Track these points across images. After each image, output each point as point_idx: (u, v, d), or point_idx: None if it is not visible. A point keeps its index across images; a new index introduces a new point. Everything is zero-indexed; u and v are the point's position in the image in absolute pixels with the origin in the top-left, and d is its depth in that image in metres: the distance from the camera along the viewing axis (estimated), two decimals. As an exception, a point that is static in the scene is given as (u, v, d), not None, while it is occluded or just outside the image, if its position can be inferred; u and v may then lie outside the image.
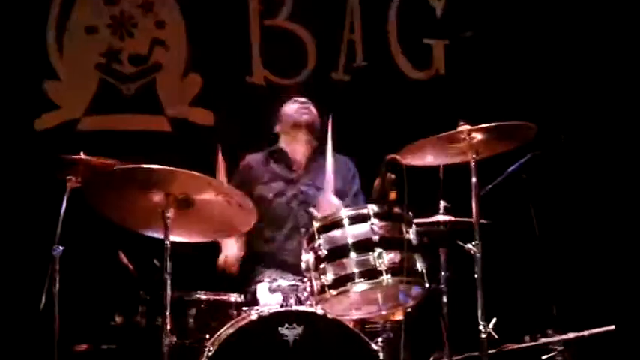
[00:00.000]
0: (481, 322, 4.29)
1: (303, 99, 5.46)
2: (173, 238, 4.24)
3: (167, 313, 4.14)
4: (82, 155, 4.74)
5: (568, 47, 6.53)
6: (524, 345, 4.90)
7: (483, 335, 4.29)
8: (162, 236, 4.22)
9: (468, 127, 4.47)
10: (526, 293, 5.96)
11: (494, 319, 4.35)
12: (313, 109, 5.42)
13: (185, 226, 4.39)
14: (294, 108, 5.41)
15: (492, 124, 4.45)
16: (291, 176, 5.37)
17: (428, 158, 4.68)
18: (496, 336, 4.38)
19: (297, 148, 5.41)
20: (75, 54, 6.37)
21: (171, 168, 4.15)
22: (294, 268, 4.84)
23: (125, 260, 4.68)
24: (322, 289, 4.27)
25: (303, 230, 5.02)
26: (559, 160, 6.05)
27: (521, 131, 4.55)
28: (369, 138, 6.13)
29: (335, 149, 5.17)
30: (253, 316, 4.24)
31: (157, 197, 4.24)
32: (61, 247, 4.55)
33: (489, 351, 4.36)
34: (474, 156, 4.49)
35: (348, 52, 6.67)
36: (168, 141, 6.34)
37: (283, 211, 5.29)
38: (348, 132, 5.96)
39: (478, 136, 4.48)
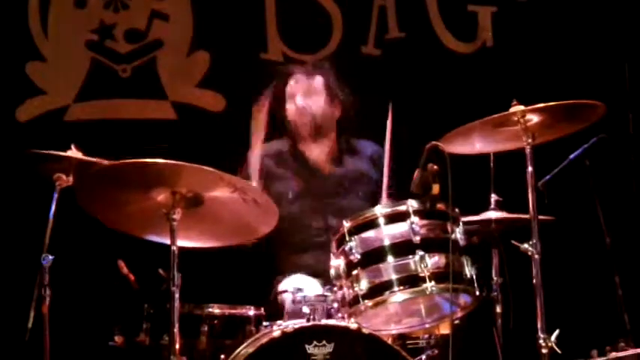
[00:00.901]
0: (541, 335, 4.28)
1: (301, 84, 5.42)
2: (181, 243, 4.24)
3: (175, 330, 4.13)
4: (73, 149, 4.73)
5: (637, 13, 6.49)
6: (592, 361, 4.88)
7: (544, 350, 4.27)
8: (168, 241, 4.22)
9: (522, 107, 4.44)
10: (593, 300, 5.96)
11: (556, 332, 4.33)
12: (319, 103, 5.39)
13: (194, 228, 4.39)
14: (292, 110, 5.40)
15: (552, 104, 4.42)
16: (313, 177, 5.39)
17: (476, 145, 4.68)
18: (559, 351, 4.35)
19: (312, 145, 5.43)
20: (62, 31, 6.40)
21: (178, 162, 4.14)
22: (322, 276, 4.86)
23: (125, 270, 4.69)
24: (355, 299, 4.27)
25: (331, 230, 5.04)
26: (629, 144, 6.04)
27: (586, 111, 4.52)
28: (406, 123, 6.11)
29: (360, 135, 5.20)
30: (276, 333, 4.24)
31: (162, 196, 4.24)
32: (50, 257, 4.54)
33: (552, 368, 4.35)
34: (529, 141, 4.46)
35: (380, 21, 6.67)
36: (173, 130, 6.36)
37: (308, 214, 5.30)
38: (380, 116, 5.98)
39: (534, 118, 4.46)
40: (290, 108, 5.42)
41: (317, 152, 5.43)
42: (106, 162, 4.41)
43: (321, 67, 5.57)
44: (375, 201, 5.19)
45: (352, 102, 5.48)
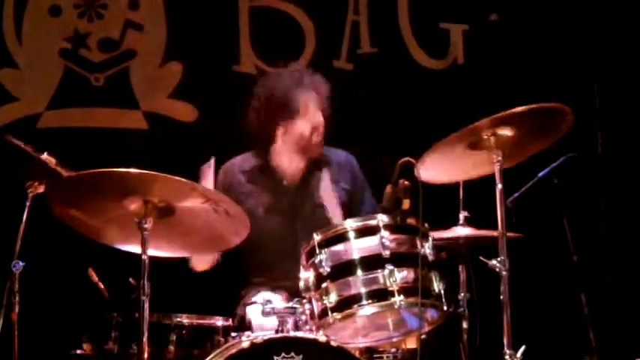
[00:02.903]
0: (507, 351, 4.29)
1: (308, 90, 5.30)
2: (152, 252, 4.24)
3: (144, 339, 4.13)
4: (46, 156, 4.71)
5: (607, 33, 6.57)
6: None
7: (510, 366, 4.30)
8: (139, 250, 4.22)
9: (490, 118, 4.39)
10: (560, 317, 5.99)
11: (522, 348, 4.36)
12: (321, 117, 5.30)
13: (166, 238, 4.41)
14: (307, 129, 5.26)
15: (519, 109, 4.34)
16: (282, 193, 5.36)
17: (442, 176, 4.67)
18: (525, 367, 4.39)
19: (289, 163, 5.36)
20: (36, 39, 6.37)
21: (151, 172, 4.15)
22: (291, 288, 4.87)
23: (95, 278, 4.69)
24: (324, 312, 4.28)
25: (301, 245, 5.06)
26: (597, 163, 6.09)
27: (554, 120, 4.45)
28: (377, 138, 6.16)
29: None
30: (245, 344, 4.24)
31: (134, 205, 4.25)
32: (21, 263, 4.52)
33: (517, 384, 4.36)
34: (499, 158, 4.44)
35: (352, 36, 6.70)
36: (144, 139, 6.35)
37: (277, 226, 5.29)
38: (352, 130, 6.02)
39: (505, 133, 4.42)
40: (303, 125, 5.28)
41: (292, 168, 5.36)
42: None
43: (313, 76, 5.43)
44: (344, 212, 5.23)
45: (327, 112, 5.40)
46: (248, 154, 5.47)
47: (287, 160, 5.35)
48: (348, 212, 5.23)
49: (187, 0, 6.51)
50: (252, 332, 4.54)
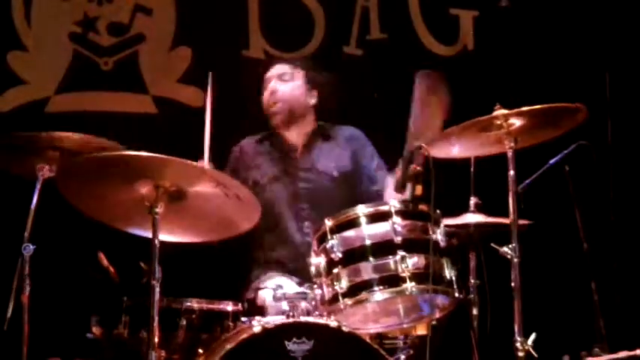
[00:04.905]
0: (518, 338, 4.29)
1: (278, 70, 5.53)
2: (162, 237, 4.24)
3: (155, 324, 4.13)
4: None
5: (618, 21, 6.54)
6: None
7: (520, 353, 4.29)
8: (149, 234, 4.22)
9: (505, 111, 4.45)
10: (569, 305, 5.99)
11: (533, 335, 4.36)
12: (288, 91, 5.47)
13: (176, 222, 4.40)
14: (266, 97, 5.50)
15: (535, 107, 4.42)
16: (287, 161, 5.45)
17: (454, 150, 4.69)
18: (535, 354, 4.37)
19: (289, 130, 5.50)
20: (45, 22, 6.36)
21: (162, 155, 4.15)
22: (300, 273, 4.88)
23: (105, 262, 4.69)
24: (335, 297, 4.29)
25: (306, 225, 5.08)
26: (607, 152, 6.08)
27: (568, 115, 4.52)
28: (387, 124, 6.14)
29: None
30: (256, 329, 4.23)
31: (145, 189, 4.25)
32: (31, 246, 4.52)
33: (527, 371, 4.37)
34: (512, 145, 4.47)
35: (362, 22, 6.69)
36: (153, 124, 6.36)
37: (281, 201, 5.33)
38: (361, 116, 6.01)
39: (517, 122, 4.47)
40: (265, 95, 5.50)
41: (294, 137, 5.49)
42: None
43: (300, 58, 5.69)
44: (347, 186, 5.29)
45: (332, 89, 5.54)
46: (255, 135, 5.62)
47: (284, 131, 5.49)
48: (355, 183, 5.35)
49: (197, -16, 6.49)
50: (263, 317, 4.53)
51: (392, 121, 6.00)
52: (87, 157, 4.34)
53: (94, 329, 4.57)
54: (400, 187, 4.50)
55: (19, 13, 6.33)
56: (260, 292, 4.88)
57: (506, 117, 4.46)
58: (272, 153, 5.49)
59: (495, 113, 4.48)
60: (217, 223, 4.50)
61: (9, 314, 4.45)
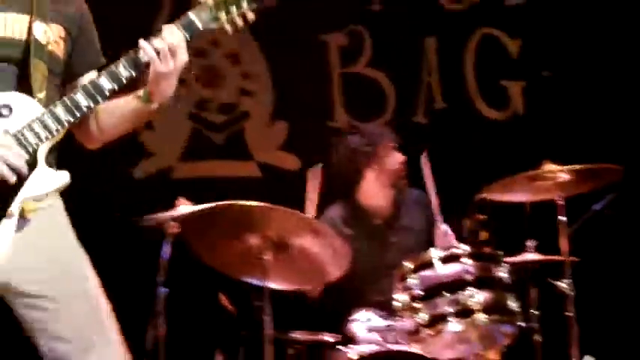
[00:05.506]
0: (574, 360, 4.22)
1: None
2: (270, 284, 4.21)
3: (268, 352, 4.11)
4: (181, 200, 4.66)
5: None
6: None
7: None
8: (259, 282, 4.20)
9: (555, 166, 4.46)
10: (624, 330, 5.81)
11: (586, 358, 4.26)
12: None
13: (279, 272, 4.34)
14: (397, 158, 5.13)
15: (580, 166, 4.45)
16: (375, 229, 5.13)
17: (513, 195, 4.73)
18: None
19: (381, 194, 5.15)
20: (169, 105, 6.42)
21: (268, 205, 4.09)
22: (386, 308, 4.81)
23: (225, 301, 4.68)
24: (417, 329, 4.24)
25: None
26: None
27: (607, 172, 4.58)
28: (451, 180, 6.06)
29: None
30: (353, 357, 4.20)
31: (254, 239, 4.22)
32: (165, 289, 4.52)
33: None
34: (561, 194, 4.51)
35: (427, 95, 6.64)
36: (258, 186, 6.36)
37: (375, 260, 5.05)
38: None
39: (564, 176, 4.49)
40: (394, 160, 5.12)
41: (384, 203, 5.13)
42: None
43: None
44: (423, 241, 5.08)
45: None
46: (336, 205, 5.21)
47: (377, 198, 5.14)
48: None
49: (289, 70, 6.49)
50: (355, 345, 4.47)
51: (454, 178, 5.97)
52: (201, 209, 4.28)
53: (217, 357, 4.57)
54: (469, 233, 4.46)
55: (147, 99, 6.40)
56: (351, 325, 4.77)
57: (554, 172, 4.49)
58: (360, 226, 5.10)
59: (545, 167, 4.51)
60: (311, 272, 4.45)
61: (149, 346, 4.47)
